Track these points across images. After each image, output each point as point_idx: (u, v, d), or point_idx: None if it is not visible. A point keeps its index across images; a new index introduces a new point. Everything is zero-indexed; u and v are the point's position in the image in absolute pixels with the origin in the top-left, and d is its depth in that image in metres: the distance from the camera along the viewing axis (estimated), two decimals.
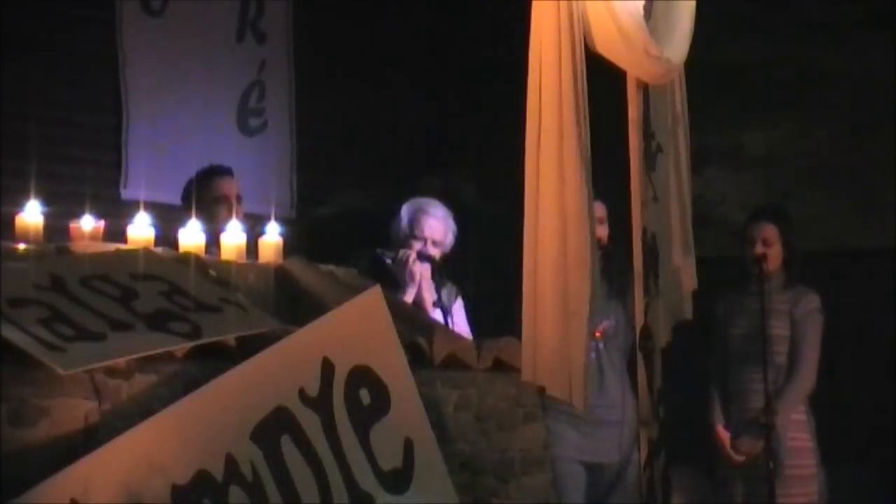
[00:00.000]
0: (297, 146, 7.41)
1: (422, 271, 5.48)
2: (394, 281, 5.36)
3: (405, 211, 5.62)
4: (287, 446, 3.99)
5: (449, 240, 5.65)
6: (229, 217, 5.13)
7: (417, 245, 5.51)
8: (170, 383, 3.82)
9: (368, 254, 5.52)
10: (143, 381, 3.77)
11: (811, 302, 5.95)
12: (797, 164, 7.51)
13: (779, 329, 5.88)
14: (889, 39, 7.22)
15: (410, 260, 5.44)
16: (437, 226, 5.58)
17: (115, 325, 3.84)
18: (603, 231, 5.54)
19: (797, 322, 5.91)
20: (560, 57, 4.47)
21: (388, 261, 5.48)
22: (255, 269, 4.61)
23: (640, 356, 4.91)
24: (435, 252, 5.54)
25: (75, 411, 3.62)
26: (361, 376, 4.26)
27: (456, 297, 5.56)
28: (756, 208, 6.32)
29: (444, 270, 5.53)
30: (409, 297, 5.38)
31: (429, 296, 5.47)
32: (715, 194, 7.52)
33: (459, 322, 5.49)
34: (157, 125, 6.77)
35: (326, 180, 7.49)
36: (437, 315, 5.35)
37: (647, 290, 4.91)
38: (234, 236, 4.68)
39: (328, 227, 7.31)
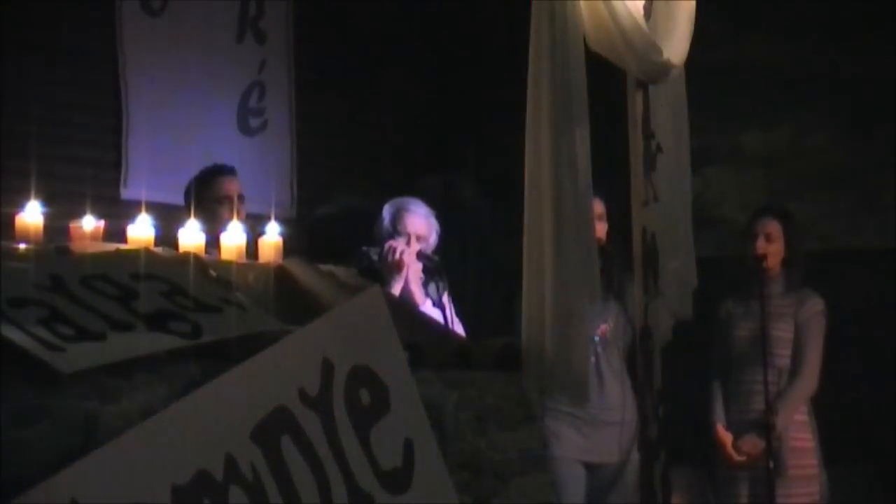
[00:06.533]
0: (297, 146, 7.41)
1: (414, 268, 5.48)
2: (379, 276, 5.37)
3: (387, 209, 5.66)
4: (287, 446, 3.98)
5: (433, 239, 5.66)
6: (232, 217, 5.13)
7: (401, 240, 5.52)
8: (170, 383, 3.81)
9: (354, 252, 5.53)
10: (143, 381, 3.77)
11: (815, 305, 5.95)
12: (797, 164, 7.50)
13: (783, 331, 5.88)
14: (889, 39, 7.22)
15: (398, 253, 5.44)
16: (419, 222, 5.61)
17: (115, 325, 3.83)
18: (602, 228, 5.54)
19: (801, 325, 5.91)
20: (560, 57, 4.48)
21: (374, 257, 5.48)
22: (255, 269, 4.61)
23: (639, 356, 4.91)
24: (426, 249, 5.56)
25: (75, 411, 3.62)
26: (361, 376, 4.25)
27: (443, 292, 5.56)
28: (761, 206, 6.33)
29: (436, 268, 5.53)
30: (395, 290, 5.38)
31: (417, 289, 5.47)
32: (715, 194, 7.52)
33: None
34: (157, 125, 6.76)
35: (326, 180, 7.49)
36: (435, 313, 5.35)
37: (646, 290, 4.92)
38: (234, 236, 4.67)
39: (328, 227, 7.31)
